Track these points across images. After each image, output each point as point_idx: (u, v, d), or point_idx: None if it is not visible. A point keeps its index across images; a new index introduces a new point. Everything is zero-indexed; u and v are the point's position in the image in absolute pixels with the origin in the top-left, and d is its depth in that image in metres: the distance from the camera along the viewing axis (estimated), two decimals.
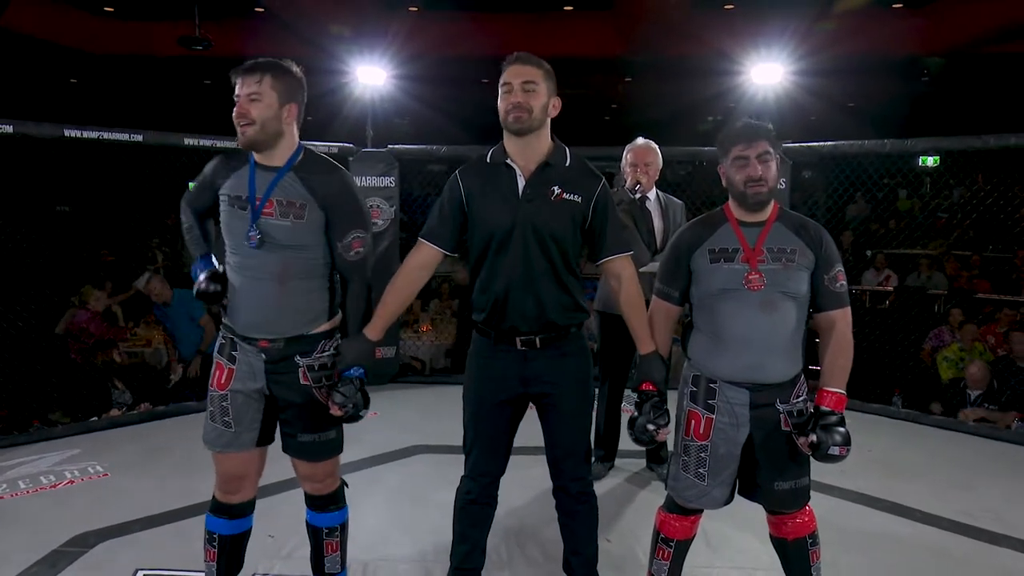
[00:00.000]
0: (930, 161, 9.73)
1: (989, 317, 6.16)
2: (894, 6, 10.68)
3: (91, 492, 3.33)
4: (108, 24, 11.54)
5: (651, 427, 2.00)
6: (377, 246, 5.06)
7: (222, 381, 2.06)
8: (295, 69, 2.03)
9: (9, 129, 3.84)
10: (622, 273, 2.08)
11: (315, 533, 2.24)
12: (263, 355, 2.03)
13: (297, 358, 2.04)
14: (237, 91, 1.96)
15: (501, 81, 2.00)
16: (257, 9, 10.71)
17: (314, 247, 2.01)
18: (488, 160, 2.08)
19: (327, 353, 2.08)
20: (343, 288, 2.08)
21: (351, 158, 5.09)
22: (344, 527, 2.25)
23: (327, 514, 2.21)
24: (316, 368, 2.06)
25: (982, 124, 6.34)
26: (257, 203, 1.96)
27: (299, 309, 2.02)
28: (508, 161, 2.03)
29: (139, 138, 4.25)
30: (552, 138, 2.07)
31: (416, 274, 2.10)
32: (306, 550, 2.32)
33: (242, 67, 1.97)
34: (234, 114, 1.95)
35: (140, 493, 3.27)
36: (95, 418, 4.32)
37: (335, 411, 1.97)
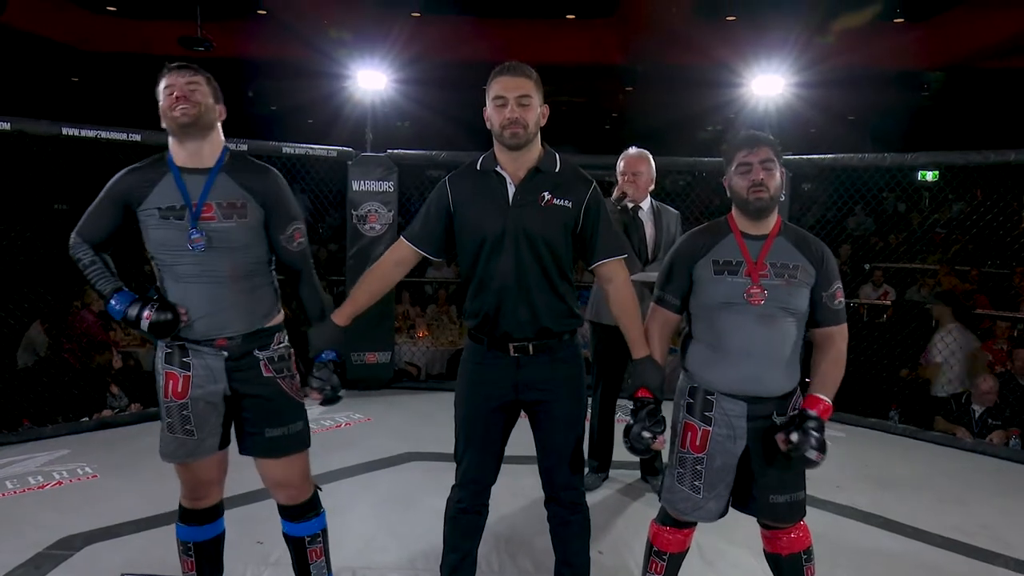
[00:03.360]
0: (929, 175, 9.76)
1: (988, 333, 6.14)
2: (895, 20, 10.72)
3: (79, 493, 3.30)
4: (109, 22, 11.55)
5: (647, 435, 1.97)
6: (375, 250, 5.08)
7: (178, 390, 2.01)
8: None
9: (7, 126, 3.83)
10: (615, 277, 2.06)
11: (297, 544, 2.19)
12: (224, 353, 2.01)
13: (256, 352, 2.04)
14: (171, 82, 1.93)
15: (493, 93, 1.98)
16: (259, 11, 10.72)
17: (257, 245, 2.02)
18: (478, 167, 2.07)
19: (283, 344, 2.11)
20: (290, 281, 2.11)
21: (350, 162, 5.08)
22: (325, 532, 2.22)
23: (306, 523, 2.17)
24: (276, 360, 2.07)
25: (982, 139, 6.35)
26: (194, 207, 1.93)
27: (252, 305, 2.03)
28: (498, 169, 2.02)
29: (137, 137, 4.23)
30: (542, 144, 2.06)
31: (391, 269, 2.12)
32: None
33: (173, 66, 1.97)
34: (173, 97, 1.91)
35: (129, 495, 3.23)
36: (86, 418, 4.29)
37: (315, 396, 2.02)
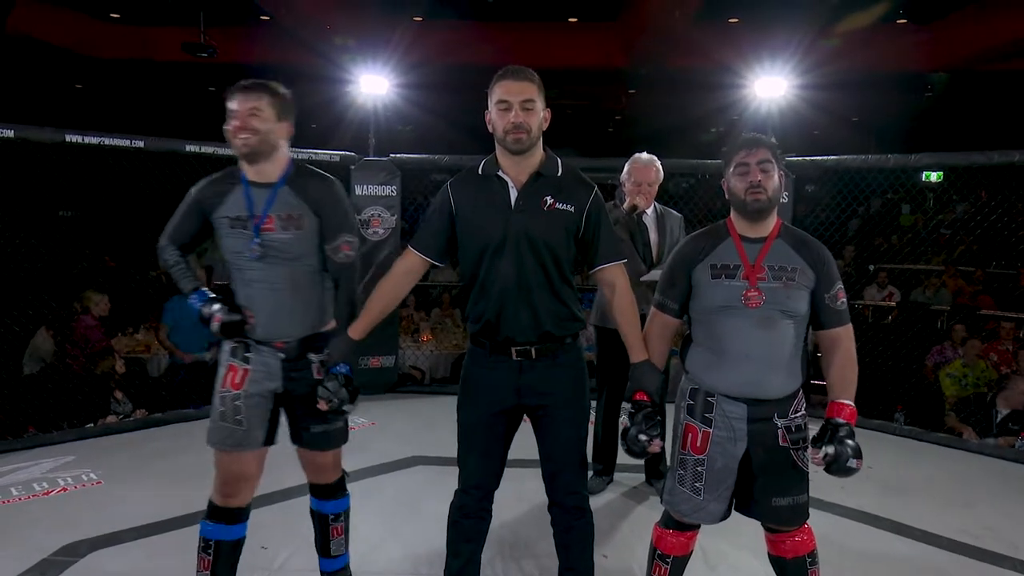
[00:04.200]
0: (933, 176, 9.74)
1: (992, 334, 6.12)
2: (898, 22, 10.71)
3: (84, 500, 3.30)
4: (112, 29, 11.60)
5: (643, 438, 1.98)
6: (378, 255, 5.09)
7: (236, 382, 2.16)
8: (286, 91, 2.16)
9: (10, 133, 3.84)
10: (616, 282, 2.07)
11: (322, 519, 2.39)
12: (282, 354, 2.16)
13: (310, 355, 2.18)
14: (235, 107, 2.05)
15: (496, 97, 1.98)
16: (262, 17, 10.76)
17: (311, 255, 2.15)
18: (480, 172, 2.07)
19: None
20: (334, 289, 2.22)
21: (353, 167, 5.09)
22: (347, 513, 2.43)
23: (333, 501, 2.38)
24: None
25: (985, 140, 6.33)
26: (257, 220, 2.09)
27: (310, 314, 2.18)
28: (499, 173, 2.03)
29: (140, 144, 4.24)
30: (544, 148, 2.06)
31: (402, 279, 2.14)
32: (299, 562, 2.37)
33: (240, 86, 2.08)
34: (232, 128, 2.05)
35: (133, 502, 3.24)
36: (91, 424, 4.30)
37: (321, 405, 2.08)
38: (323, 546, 2.42)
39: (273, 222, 2.09)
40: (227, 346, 2.20)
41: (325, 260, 2.17)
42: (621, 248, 2.13)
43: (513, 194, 2.01)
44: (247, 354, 2.17)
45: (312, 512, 2.41)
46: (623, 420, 2.04)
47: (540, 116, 1.99)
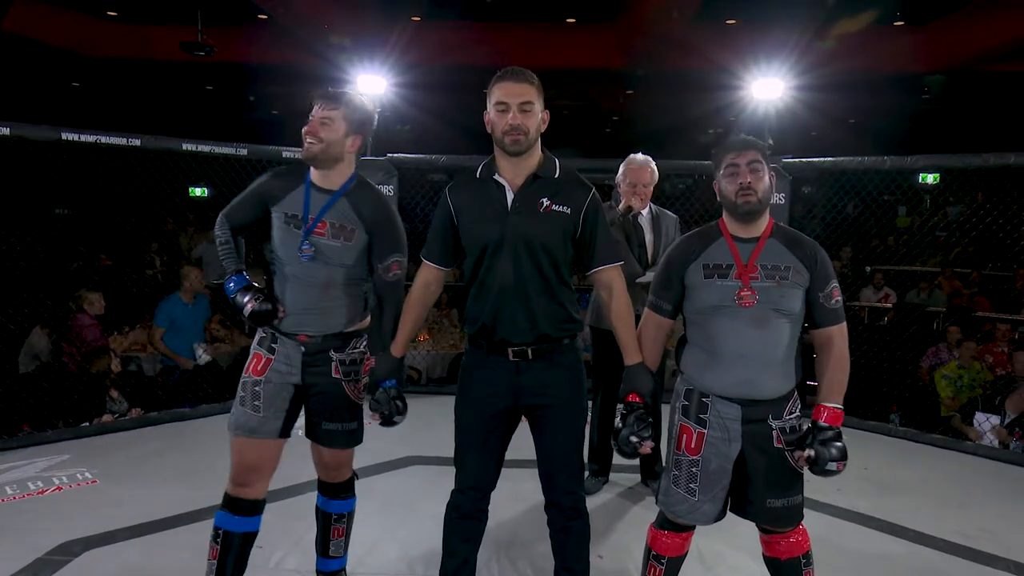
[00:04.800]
0: (930, 178, 9.75)
1: (988, 335, 6.14)
2: (895, 23, 10.74)
3: (79, 499, 3.29)
4: (110, 27, 11.58)
5: (634, 439, 2.00)
6: None
7: (259, 368, 2.22)
8: (369, 106, 2.25)
9: (7, 132, 3.83)
10: (612, 284, 2.07)
11: (325, 518, 2.42)
12: (303, 348, 2.21)
13: (331, 352, 2.23)
14: (312, 112, 2.15)
15: (495, 98, 1.99)
16: (260, 16, 10.75)
17: (356, 265, 2.22)
18: (477, 175, 2.08)
19: (358, 350, 2.29)
20: (378, 304, 2.27)
21: None
22: (351, 515, 2.44)
23: (338, 501, 2.40)
24: (347, 363, 2.26)
25: (982, 142, 6.35)
26: (310, 222, 2.16)
27: (338, 313, 2.22)
28: (496, 177, 2.03)
29: (136, 142, 4.23)
30: (542, 150, 2.07)
31: (423, 292, 2.19)
32: (293, 561, 2.40)
33: (323, 93, 2.18)
34: (304, 130, 2.14)
35: (128, 501, 3.23)
36: (86, 423, 4.29)
37: (375, 418, 2.18)
38: (323, 545, 2.44)
39: (325, 227, 2.16)
40: (258, 334, 2.27)
41: (365, 272, 2.24)
42: (618, 250, 2.14)
43: (510, 196, 2.01)
44: (273, 344, 2.23)
45: (317, 509, 2.44)
46: (616, 422, 2.05)
47: (538, 118, 2.00)
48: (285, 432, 2.23)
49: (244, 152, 4.53)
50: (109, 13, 11.31)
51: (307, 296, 2.18)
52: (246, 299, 2.18)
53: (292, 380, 2.22)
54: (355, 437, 2.32)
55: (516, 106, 1.96)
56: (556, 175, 2.04)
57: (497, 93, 1.98)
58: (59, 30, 10.87)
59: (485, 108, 2.03)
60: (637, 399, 2.03)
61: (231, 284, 2.23)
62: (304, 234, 2.15)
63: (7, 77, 10.69)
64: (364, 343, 2.32)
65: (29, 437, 4.02)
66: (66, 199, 9.18)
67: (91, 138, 4.09)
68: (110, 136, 4.17)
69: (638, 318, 2.12)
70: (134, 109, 13.56)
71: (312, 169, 2.20)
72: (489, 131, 2.03)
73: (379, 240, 2.21)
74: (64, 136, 4.01)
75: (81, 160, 4.41)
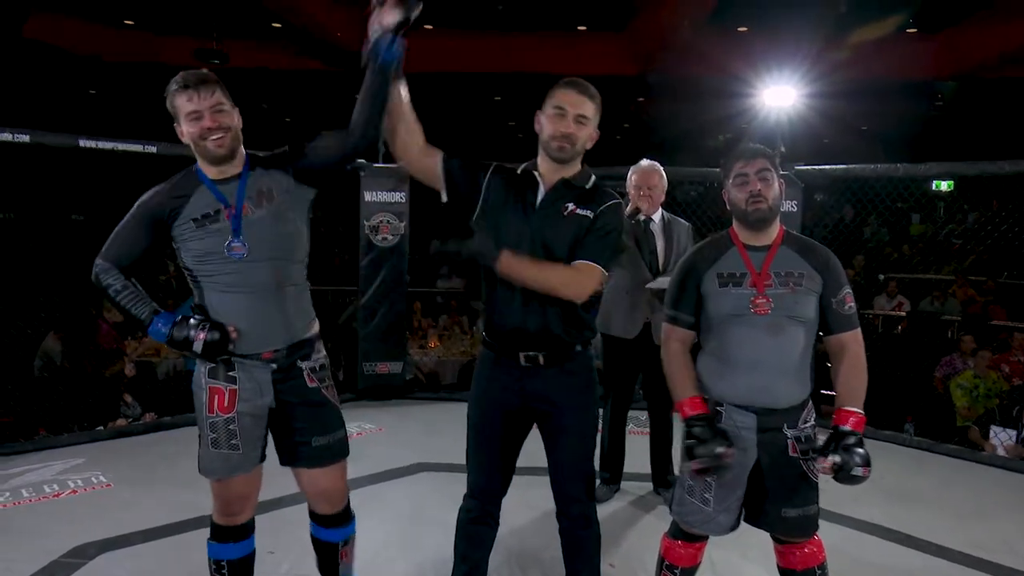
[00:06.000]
0: (944, 186, 9.68)
1: (1004, 344, 6.07)
2: (908, 30, 10.69)
3: (94, 502, 3.32)
4: (127, 36, 11.71)
5: (720, 449, 1.88)
6: (387, 261, 5.10)
7: (224, 405, 1.96)
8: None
9: (26, 138, 3.89)
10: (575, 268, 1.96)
11: (330, 549, 2.19)
12: (273, 365, 1.98)
13: (299, 362, 2.02)
14: (195, 107, 1.85)
15: (553, 103, 1.98)
16: (274, 25, 10.85)
17: (294, 235, 1.98)
18: (519, 172, 2.08)
19: (323, 354, 2.10)
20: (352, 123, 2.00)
21: (362, 173, 5.11)
22: (354, 534, 2.24)
23: (341, 528, 2.18)
24: (318, 369, 2.06)
25: (996, 149, 6.30)
26: (233, 209, 1.90)
27: (296, 315, 2.01)
28: (535, 172, 2.04)
29: (153, 149, 4.28)
30: (582, 163, 2.07)
31: (420, 149, 2.08)
32: (305, 567, 2.31)
33: (191, 82, 1.85)
34: (201, 129, 1.86)
35: (142, 505, 3.25)
36: (100, 427, 4.32)
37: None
38: (331, 572, 2.23)
39: (247, 208, 1.90)
40: (203, 367, 1.97)
41: (307, 246, 2.02)
42: (606, 257, 2.02)
43: (541, 194, 2.01)
44: (231, 372, 1.95)
45: (316, 541, 2.19)
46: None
47: (588, 133, 2.01)
48: (263, 456, 2.05)
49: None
50: (126, 21, 11.45)
51: (260, 305, 1.92)
52: (190, 333, 1.87)
53: (266, 404, 1.99)
54: (345, 446, 2.11)
55: (572, 116, 1.97)
56: (587, 186, 2.05)
57: (558, 97, 1.99)
58: (76, 38, 11.01)
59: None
60: (703, 409, 1.96)
61: (159, 326, 1.90)
62: (233, 221, 1.88)
63: (26, 84, 10.83)
64: (323, 351, 2.10)
65: (45, 440, 4.05)
66: (82, 205, 9.29)
67: (108, 145, 4.14)
68: (127, 143, 4.22)
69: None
70: (149, 116, 13.67)
71: (206, 168, 1.93)
72: (537, 131, 2.03)
73: (305, 150, 1.98)
74: (82, 143, 4.07)
75: (97, 166, 4.45)
